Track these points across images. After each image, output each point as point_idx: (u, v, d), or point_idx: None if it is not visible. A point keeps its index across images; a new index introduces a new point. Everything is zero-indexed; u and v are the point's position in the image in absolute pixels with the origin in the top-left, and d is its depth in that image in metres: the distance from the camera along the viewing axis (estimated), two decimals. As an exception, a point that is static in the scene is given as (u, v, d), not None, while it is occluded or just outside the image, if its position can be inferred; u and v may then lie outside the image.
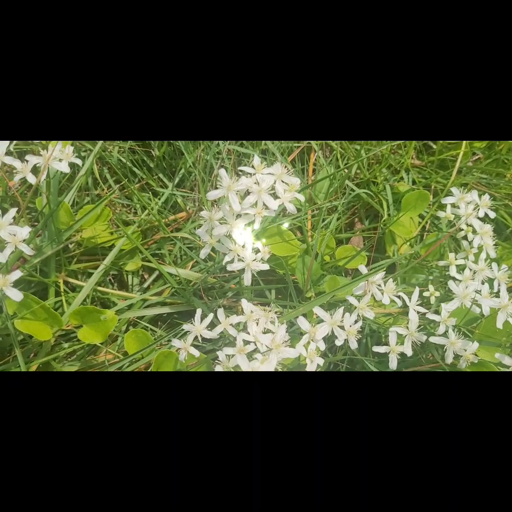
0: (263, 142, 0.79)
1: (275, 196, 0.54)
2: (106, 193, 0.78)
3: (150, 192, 0.79)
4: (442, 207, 0.72)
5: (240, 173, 0.55)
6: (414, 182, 0.82)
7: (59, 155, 0.53)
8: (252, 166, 0.54)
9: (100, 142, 0.73)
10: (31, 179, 0.53)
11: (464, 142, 0.79)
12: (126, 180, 0.74)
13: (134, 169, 0.78)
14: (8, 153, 0.53)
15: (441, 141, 0.83)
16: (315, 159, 0.84)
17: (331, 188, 0.77)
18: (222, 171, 0.52)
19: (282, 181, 0.53)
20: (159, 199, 0.77)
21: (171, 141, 0.78)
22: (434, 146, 0.86)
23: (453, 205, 0.67)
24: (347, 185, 0.77)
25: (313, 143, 0.82)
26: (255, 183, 0.52)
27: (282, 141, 0.80)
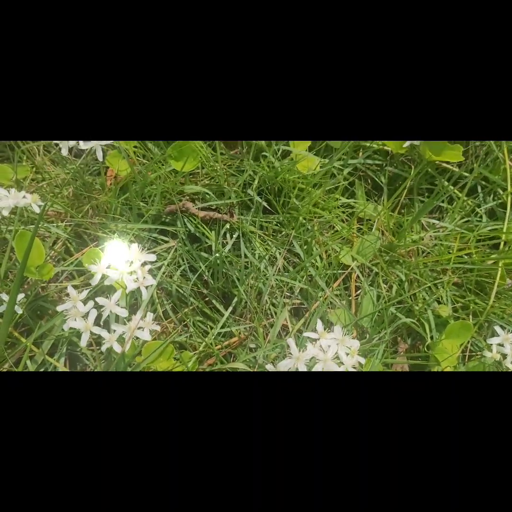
0: (308, 270, 0.85)
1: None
2: (159, 322, 0.84)
3: (202, 317, 0.84)
4: (484, 336, 0.77)
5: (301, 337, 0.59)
6: (453, 303, 0.86)
7: (141, 324, 0.59)
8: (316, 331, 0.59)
9: (159, 274, 0.79)
10: (117, 348, 0.58)
11: (500, 267, 0.84)
12: (184, 310, 0.80)
13: (191, 299, 0.84)
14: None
15: (476, 260, 0.88)
16: (356, 278, 0.89)
17: (376, 314, 0.81)
18: (291, 342, 0.57)
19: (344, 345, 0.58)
20: (216, 326, 0.82)
21: (225, 271, 0.84)
22: (471, 264, 0.90)
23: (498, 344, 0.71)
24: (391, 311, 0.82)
25: (354, 267, 0.87)
26: (320, 350, 0.57)
27: (327, 270, 0.85)
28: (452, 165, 0.95)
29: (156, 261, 0.85)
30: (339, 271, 0.86)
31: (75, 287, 0.70)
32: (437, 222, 0.93)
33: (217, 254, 0.81)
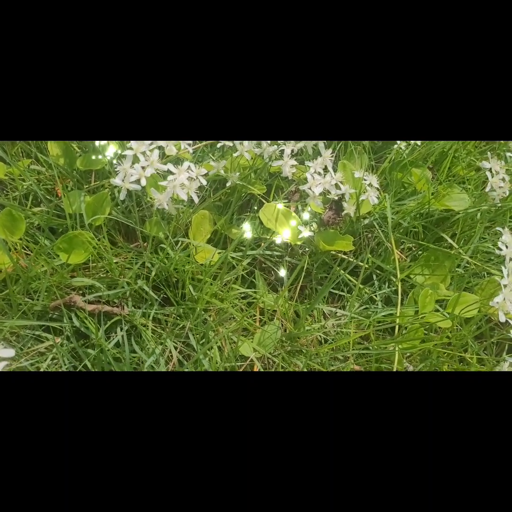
0: (203, 363, 0.80)
1: None
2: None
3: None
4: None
5: None
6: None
7: None
8: None
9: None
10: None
11: (396, 351, 0.84)
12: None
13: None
14: None
15: (375, 345, 0.88)
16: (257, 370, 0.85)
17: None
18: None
19: None
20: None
21: (112, 370, 0.77)
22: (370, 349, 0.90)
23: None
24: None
25: (254, 358, 0.84)
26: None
27: (226, 363, 0.81)
28: (348, 255, 0.99)
29: (36, 362, 0.77)
30: (238, 364, 0.83)
31: None
32: (337, 310, 0.94)
33: (101, 349, 0.75)
